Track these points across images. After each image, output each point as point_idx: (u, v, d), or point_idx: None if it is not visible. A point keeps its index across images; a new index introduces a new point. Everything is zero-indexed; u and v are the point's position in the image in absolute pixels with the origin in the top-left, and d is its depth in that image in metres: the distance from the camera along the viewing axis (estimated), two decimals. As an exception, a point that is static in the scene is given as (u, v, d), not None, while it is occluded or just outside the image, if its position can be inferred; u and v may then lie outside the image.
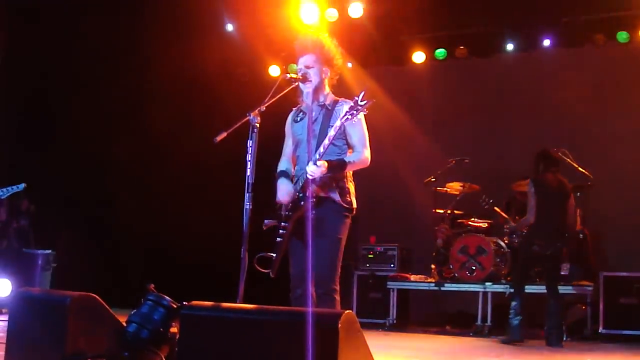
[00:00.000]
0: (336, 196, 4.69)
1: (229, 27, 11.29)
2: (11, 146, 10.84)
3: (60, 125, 11.47)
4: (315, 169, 4.50)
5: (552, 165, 8.11)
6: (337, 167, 4.62)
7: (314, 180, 4.56)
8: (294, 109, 5.09)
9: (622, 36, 10.01)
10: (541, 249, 7.84)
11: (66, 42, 11.15)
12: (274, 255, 4.65)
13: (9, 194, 6.84)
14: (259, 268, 4.51)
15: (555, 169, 8.11)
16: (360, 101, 4.35)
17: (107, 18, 10.82)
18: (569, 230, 7.98)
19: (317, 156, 4.52)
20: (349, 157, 4.70)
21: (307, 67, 4.85)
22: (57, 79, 11.45)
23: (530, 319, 8.75)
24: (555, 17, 10.32)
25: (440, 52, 11.13)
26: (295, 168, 4.94)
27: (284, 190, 4.74)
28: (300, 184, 4.66)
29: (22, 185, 6.81)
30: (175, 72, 10.89)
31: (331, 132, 4.54)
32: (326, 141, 4.53)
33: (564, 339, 7.96)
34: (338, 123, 4.50)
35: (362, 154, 4.72)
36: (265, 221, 4.73)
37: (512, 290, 8.24)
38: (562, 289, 8.85)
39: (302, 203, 4.60)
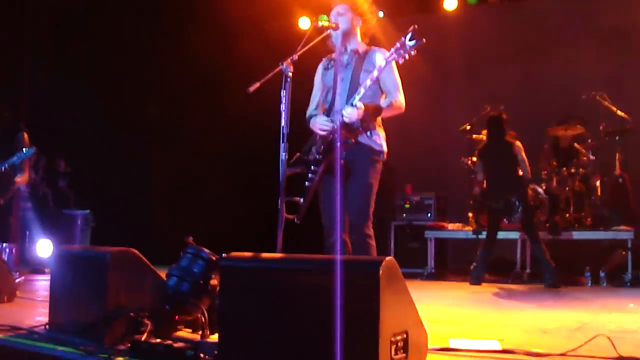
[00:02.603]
0: (365, 140, 4.65)
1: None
2: (51, 106, 10.89)
3: (99, 86, 11.46)
4: (352, 111, 4.45)
5: (494, 129, 8.73)
6: (373, 111, 4.58)
7: (347, 124, 4.50)
8: (324, 58, 5.06)
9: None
10: (496, 204, 8.58)
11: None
12: (301, 200, 4.62)
13: (20, 160, 6.85)
14: (284, 213, 4.41)
15: (497, 131, 8.68)
16: (409, 41, 4.28)
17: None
18: (521, 182, 8.52)
19: (357, 97, 4.45)
20: (384, 102, 4.66)
21: (339, 14, 4.81)
22: (100, 39, 11.40)
23: (569, 265, 8.70)
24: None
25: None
26: (324, 114, 4.90)
27: (321, 122, 4.71)
28: (334, 128, 4.60)
29: (32, 150, 6.82)
30: (205, 27, 10.84)
31: (374, 73, 4.48)
32: (368, 82, 4.47)
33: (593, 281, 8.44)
34: (383, 63, 4.44)
35: (397, 99, 4.68)
36: (291, 170, 4.66)
37: (550, 236, 8.72)
38: (601, 234, 8.79)
39: (338, 144, 4.54)
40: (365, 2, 4.92)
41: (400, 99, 4.71)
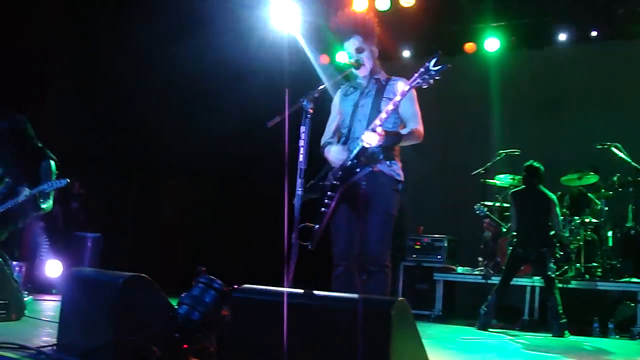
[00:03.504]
0: (386, 169, 4.66)
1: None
2: (67, 129, 10.96)
3: (116, 111, 11.53)
4: (372, 137, 4.41)
5: (532, 178, 8.65)
6: (392, 138, 4.56)
7: (366, 150, 4.50)
8: (342, 85, 5.08)
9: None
10: (524, 253, 8.46)
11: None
12: (316, 226, 4.60)
13: (52, 189, 6.89)
14: (298, 240, 4.37)
15: (534, 181, 8.61)
16: (433, 66, 4.27)
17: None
18: (550, 235, 8.47)
19: (378, 122, 4.45)
20: (404, 130, 4.64)
21: (358, 51, 4.82)
22: (116, 60, 11.52)
23: (578, 315, 8.64)
24: (610, 9, 10.12)
25: (492, 43, 11.01)
26: (340, 141, 4.91)
27: (337, 152, 4.69)
28: (353, 154, 4.59)
29: (65, 181, 6.84)
30: (226, 61, 10.94)
31: (397, 98, 4.45)
32: (390, 106, 4.45)
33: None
34: (406, 88, 4.41)
35: (416, 128, 4.67)
36: (308, 195, 4.64)
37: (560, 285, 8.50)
38: (611, 285, 8.73)
39: (358, 170, 4.54)
40: (373, 26, 4.91)
41: (420, 128, 4.70)
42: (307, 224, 4.48)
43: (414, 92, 4.66)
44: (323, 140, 5.01)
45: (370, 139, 4.42)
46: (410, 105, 4.68)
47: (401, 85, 4.72)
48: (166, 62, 11.34)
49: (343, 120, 4.93)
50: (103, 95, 11.31)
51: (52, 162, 7.09)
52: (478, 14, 10.74)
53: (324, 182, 4.73)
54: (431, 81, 4.31)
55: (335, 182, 4.65)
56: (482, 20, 10.92)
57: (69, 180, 6.84)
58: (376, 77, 4.86)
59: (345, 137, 4.84)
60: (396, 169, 4.74)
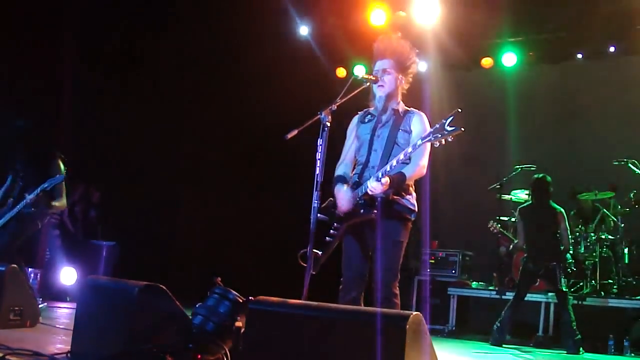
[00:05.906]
0: (400, 199, 4.66)
1: (302, 31, 11.33)
2: (87, 137, 11.02)
3: (136, 123, 11.58)
4: (377, 186, 4.44)
5: (540, 192, 8.61)
6: (397, 184, 4.55)
7: (370, 195, 4.52)
8: (359, 112, 5.06)
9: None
10: (534, 268, 8.44)
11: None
12: (320, 252, 4.61)
13: (51, 185, 6.98)
14: (302, 263, 4.45)
15: (542, 195, 8.57)
16: (448, 125, 4.20)
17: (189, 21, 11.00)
18: (560, 249, 8.41)
19: (381, 175, 4.45)
20: (408, 170, 4.59)
21: (384, 72, 4.82)
22: (134, 75, 11.58)
23: (593, 332, 8.58)
24: (627, 25, 10.08)
25: (509, 58, 10.99)
26: (355, 169, 4.91)
27: (344, 198, 4.66)
28: (362, 192, 4.59)
29: (62, 177, 6.95)
30: (247, 73, 11.00)
31: (408, 150, 4.43)
32: (394, 162, 4.45)
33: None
34: (419, 142, 4.35)
35: (418, 166, 4.63)
36: (318, 215, 4.61)
37: (575, 301, 8.52)
38: (627, 303, 8.68)
39: (362, 211, 4.56)
40: (410, 57, 4.90)
41: (422, 163, 4.64)
42: (308, 249, 4.46)
43: (427, 123, 4.70)
44: (338, 168, 4.98)
45: (375, 187, 4.44)
46: (420, 136, 4.64)
47: (416, 120, 4.76)
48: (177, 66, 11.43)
49: (360, 146, 4.93)
50: (129, 108, 11.35)
51: (60, 162, 7.24)
52: (495, 30, 10.73)
53: (334, 210, 4.74)
54: (443, 141, 4.23)
55: (342, 214, 4.69)
56: (500, 36, 10.91)
57: (64, 176, 6.97)
58: (394, 107, 4.85)
59: (362, 166, 4.83)
60: (410, 199, 4.73)
